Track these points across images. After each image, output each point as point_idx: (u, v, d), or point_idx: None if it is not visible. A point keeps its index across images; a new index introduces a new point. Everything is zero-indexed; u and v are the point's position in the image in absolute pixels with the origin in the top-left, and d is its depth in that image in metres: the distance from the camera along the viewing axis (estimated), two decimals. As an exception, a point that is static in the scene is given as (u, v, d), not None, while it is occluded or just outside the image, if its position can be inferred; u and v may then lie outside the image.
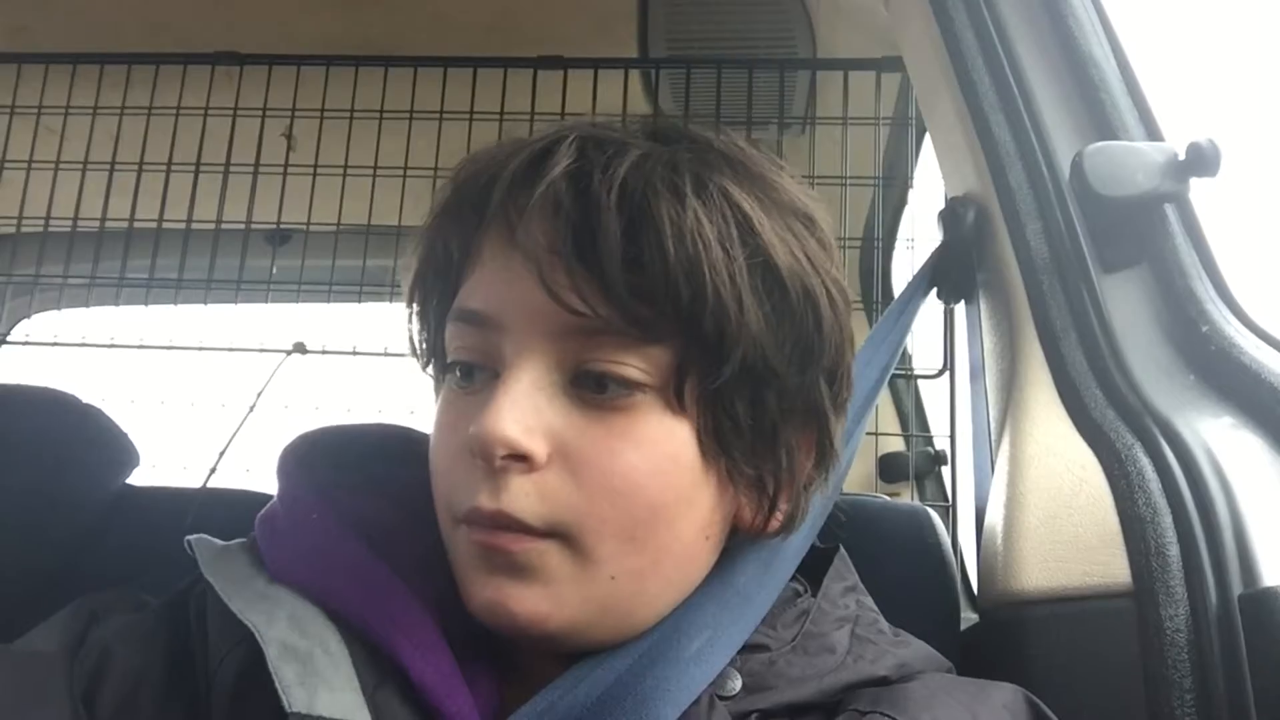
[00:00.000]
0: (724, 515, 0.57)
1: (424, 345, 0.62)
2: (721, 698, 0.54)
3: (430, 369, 0.62)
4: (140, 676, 0.56)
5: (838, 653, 0.58)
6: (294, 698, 0.50)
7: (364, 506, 0.59)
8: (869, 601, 0.65)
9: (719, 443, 0.54)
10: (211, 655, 0.55)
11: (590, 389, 0.53)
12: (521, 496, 0.51)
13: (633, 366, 0.52)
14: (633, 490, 0.52)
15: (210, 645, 0.56)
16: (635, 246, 0.51)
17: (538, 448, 0.51)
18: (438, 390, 0.60)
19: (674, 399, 0.53)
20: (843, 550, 0.68)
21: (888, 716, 0.53)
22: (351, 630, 0.54)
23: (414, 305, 0.61)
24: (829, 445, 0.59)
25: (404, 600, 0.55)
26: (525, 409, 0.52)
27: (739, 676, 0.55)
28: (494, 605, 0.53)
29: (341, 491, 0.60)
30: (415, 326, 0.62)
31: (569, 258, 0.52)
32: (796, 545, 0.64)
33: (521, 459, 0.51)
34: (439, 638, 0.54)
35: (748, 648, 0.57)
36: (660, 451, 0.53)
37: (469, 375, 0.56)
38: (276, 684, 0.50)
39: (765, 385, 0.54)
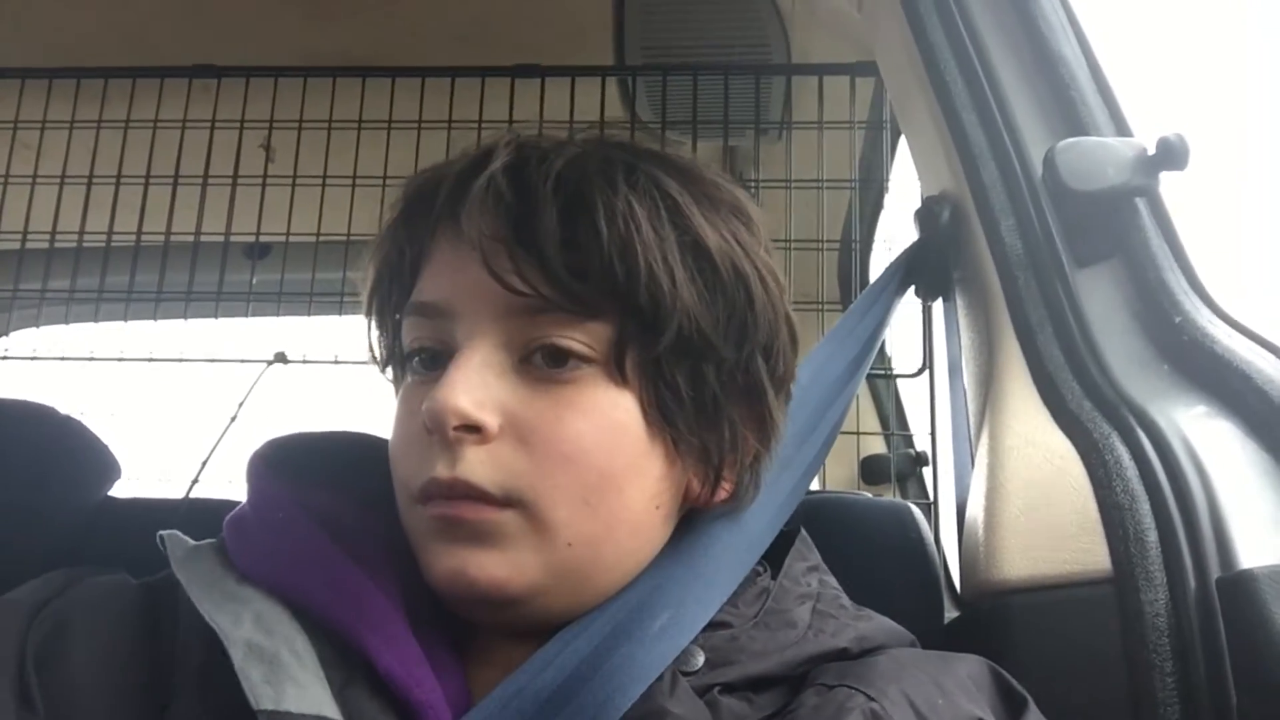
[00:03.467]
0: (673, 486, 0.59)
1: (383, 349, 0.64)
2: (684, 673, 0.55)
3: (389, 373, 0.65)
4: (94, 650, 0.56)
5: (799, 627, 0.60)
6: (261, 696, 0.50)
7: (330, 505, 0.61)
8: (831, 580, 0.67)
9: (663, 413, 0.57)
10: (180, 644, 0.56)
11: (538, 365, 0.56)
12: (477, 465, 0.54)
13: (576, 340, 0.56)
14: (582, 456, 0.55)
15: (180, 632, 0.56)
16: (571, 229, 0.55)
17: (489, 419, 0.54)
18: (398, 391, 0.62)
19: (616, 371, 0.56)
20: (804, 532, 0.70)
21: (854, 689, 0.54)
22: (318, 628, 0.55)
23: (372, 312, 0.64)
24: (770, 419, 0.62)
25: (369, 594, 0.56)
26: (475, 384, 0.54)
27: (701, 653, 0.57)
28: (454, 574, 0.54)
29: (309, 491, 0.61)
30: (375, 333, 0.65)
31: (510, 243, 0.55)
32: (762, 528, 0.66)
33: (474, 430, 0.54)
34: (405, 629, 0.55)
35: (711, 625, 0.58)
36: (606, 419, 0.56)
37: (426, 364, 0.59)
38: (244, 684, 0.51)
39: (703, 358, 0.58)
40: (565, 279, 0.55)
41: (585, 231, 0.55)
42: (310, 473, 0.63)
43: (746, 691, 0.56)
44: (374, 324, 0.64)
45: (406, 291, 0.61)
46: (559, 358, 0.56)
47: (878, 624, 0.63)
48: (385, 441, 0.63)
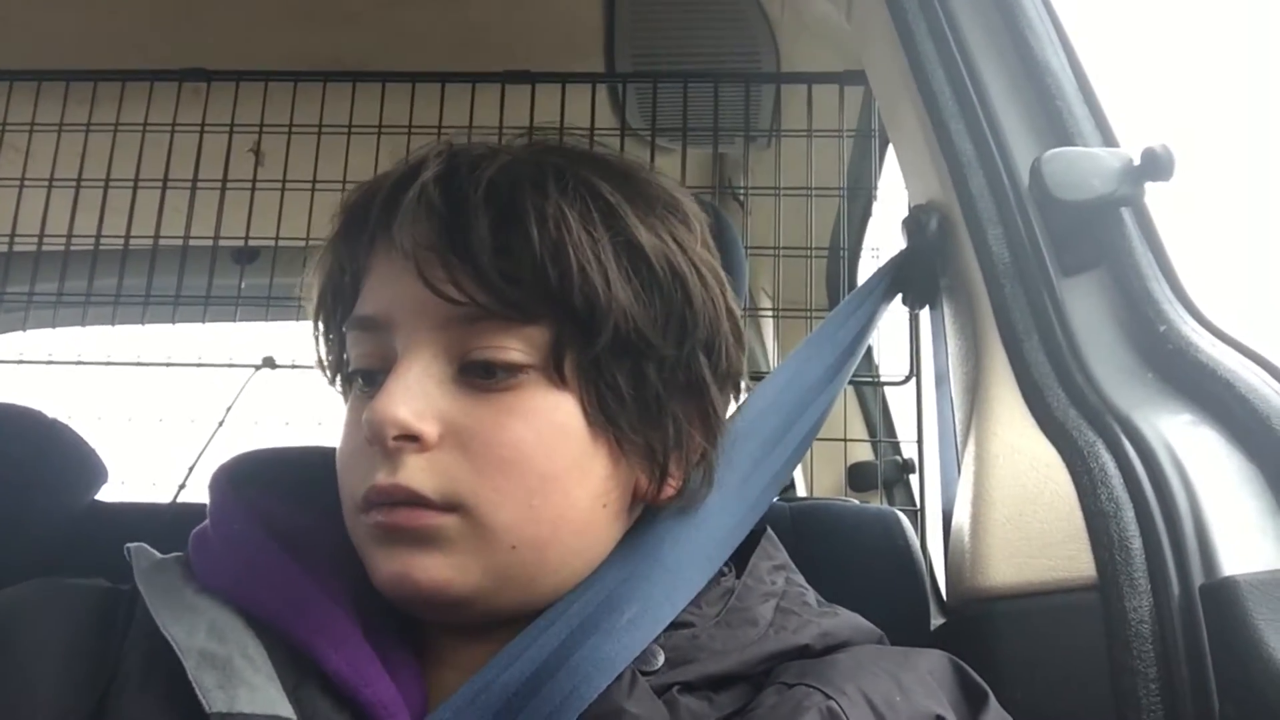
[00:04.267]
0: (620, 485, 0.60)
1: (330, 361, 0.65)
2: (644, 673, 0.56)
3: (339, 385, 0.65)
4: (40, 640, 0.57)
5: (760, 625, 0.60)
6: (214, 700, 0.52)
7: (286, 517, 0.62)
8: (799, 579, 0.67)
9: (604, 413, 0.58)
10: (129, 643, 0.57)
11: (477, 375, 0.56)
12: (416, 471, 0.55)
13: (514, 349, 0.56)
14: (522, 460, 0.55)
15: (130, 635, 0.58)
16: (503, 236, 0.55)
17: (428, 428, 0.55)
18: (347, 402, 0.63)
19: (555, 375, 0.57)
20: (770, 531, 0.70)
21: (813, 688, 0.54)
22: (271, 634, 0.56)
23: (318, 325, 0.65)
24: (714, 414, 0.62)
25: (317, 600, 0.57)
26: (415, 393, 0.55)
27: (662, 652, 0.57)
28: (398, 577, 0.55)
29: (266, 503, 0.62)
30: (322, 346, 0.65)
31: (444, 252, 0.56)
32: (730, 529, 0.66)
33: (413, 439, 0.55)
34: (354, 632, 0.56)
35: (673, 625, 0.59)
36: (546, 422, 0.56)
37: (369, 380, 0.59)
38: (197, 691, 0.52)
39: (643, 357, 0.58)
40: (499, 285, 0.55)
41: (517, 237, 0.55)
42: (270, 486, 0.64)
43: (706, 691, 0.57)
44: (320, 337, 0.65)
45: (349, 305, 0.61)
46: (495, 368, 0.56)
47: (843, 620, 0.63)
48: None
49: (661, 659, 0.57)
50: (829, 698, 0.54)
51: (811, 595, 0.65)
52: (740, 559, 0.66)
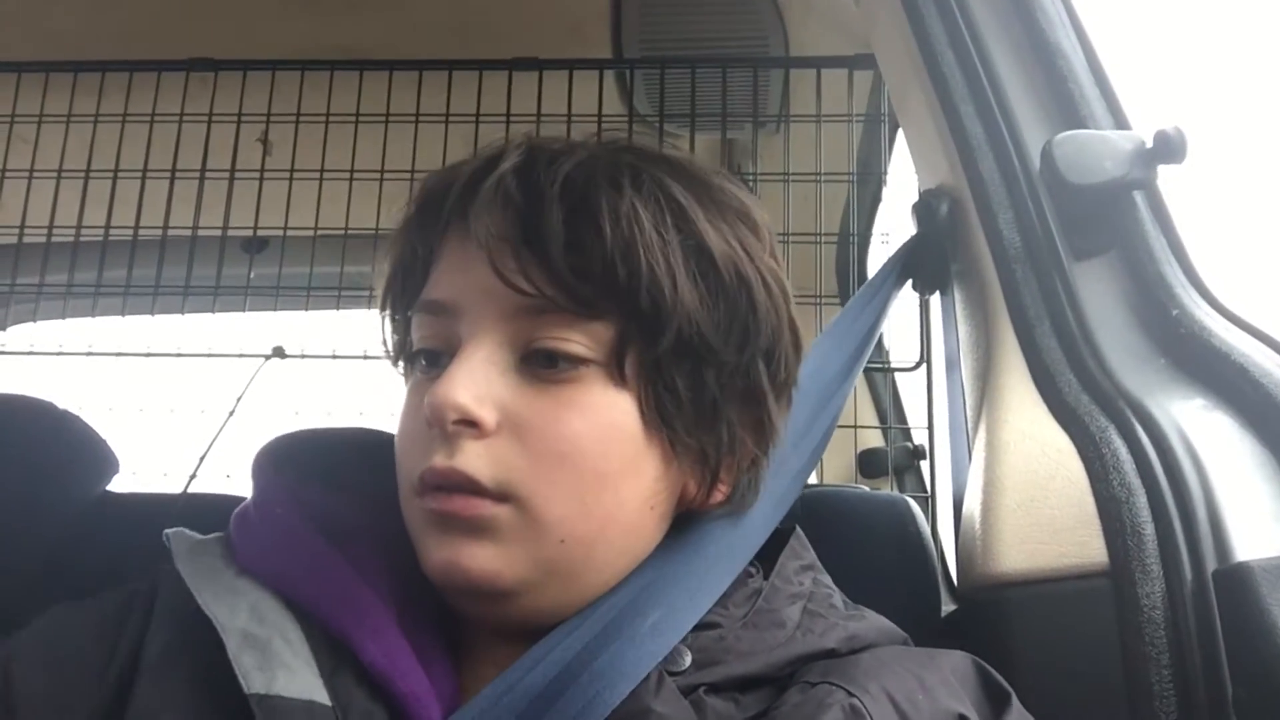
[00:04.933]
0: (669, 488, 0.60)
1: (395, 344, 0.66)
2: (671, 673, 0.56)
3: (401, 366, 0.66)
4: (36, 687, 0.57)
5: (787, 627, 0.60)
6: (252, 681, 0.52)
7: (328, 503, 0.62)
8: (826, 579, 0.67)
9: (660, 414, 0.58)
10: (149, 634, 0.58)
11: (538, 365, 0.57)
12: (474, 457, 0.55)
13: (576, 343, 0.56)
14: (578, 455, 0.56)
15: (153, 622, 0.58)
16: (576, 231, 0.56)
17: (487, 415, 0.55)
18: (408, 385, 0.63)
19: (616, 372, 0.57)
20: (799, 530, 0.70)
21: (836, 686, 0.54)
22: (310, 620, 0.57)
23: (386, 307, 0.65)
24: (769, 423, 0.62)
25: (357, 588, 0.57)
26: (477, 380, 0.56)
27: (689, 653, 0.57)
28: (449, 565, 0.55)
29: (309, 490, 0.63)
30: (388, 328, 0.66)
31: (517, 243, 0.56)
32: (755, 528, 0.66)
33: (472, 425, 0.55)
34: (391, 623, 0.57)
35: (700, 625, 0.59)
36: (603, 419, 0.57)
37: (432, 362, 0.60)
38: (236, 670, 0.53)
39: (703, 361, 0.58)
40: (568, 279, 0.55)
41: (589, 233, 0.56)
42: (311, 470, 0.64)
43: (733, 692, 0.57)
44: (387, 319, 0.66)
45: (418, 289, 0.62)
46: (558, 359, 0.56)
47: (869, 623, 0.63)
48: (389, 437, 0.65)
49: (689, 660, 0.57)
50: (852, 695, 0.54)
51: (838, 597, 0.65)
52: (765, 557, 0.66)
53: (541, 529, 0.55)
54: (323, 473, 0.64)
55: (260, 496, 0.63)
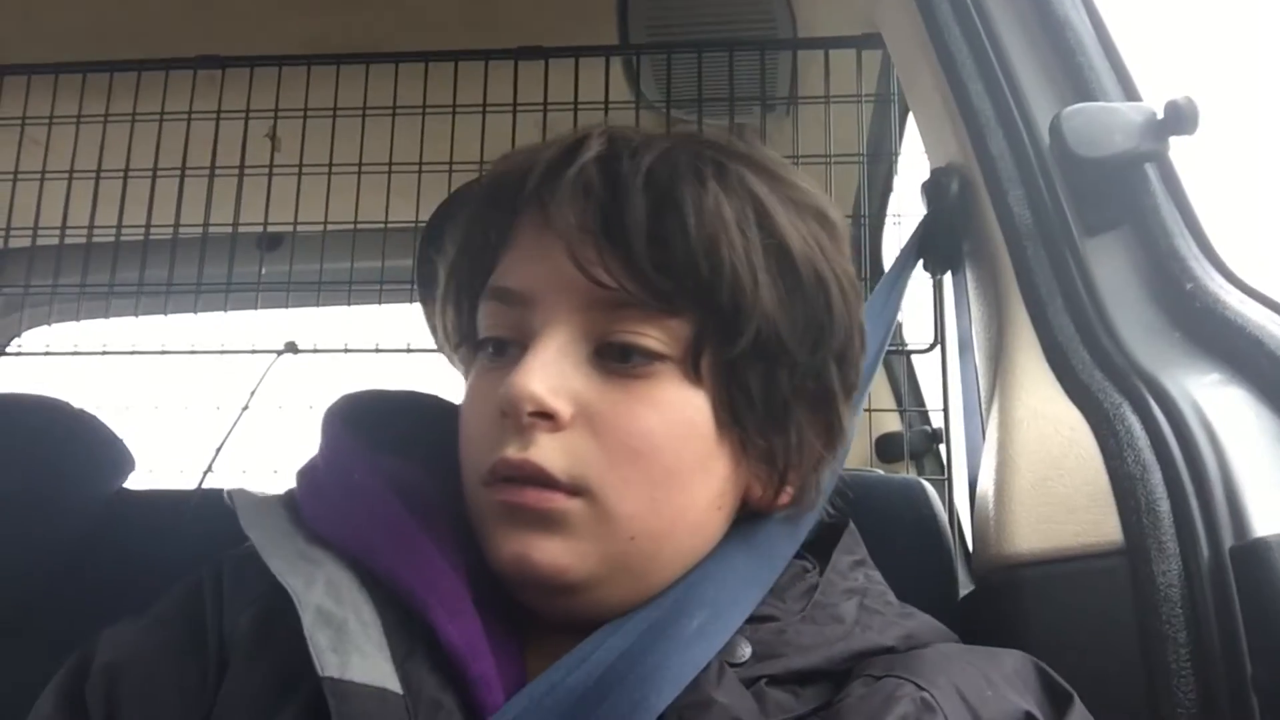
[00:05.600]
0: (736, 488, 0.60)
1: (455, 328, 0.65)
2: (731, 664, 0.55)
3: (460, 353, 0.65)
4: (149, 673, 0.57)
5: (846, 623, 0.60)
6: (327, 663, 0.51)
7: (402, 472, 0.61)
8: (877, 575, 0.66)
9: (733, 414, 0.58)
10: (227, 616, 0.57)
11: (613, 359, 0.56)
12: (547, 450, 0.55)
13: (653, 338, 0.56)
14: (651, 451, 0.55)
15: (226, 605, 0.58)
16: (659, 224, 0.55)
17: (562, 407, 0.55)
18: (468, 373, 0.63)
19: (691, 370, 0.57)
20: (852, 525, 0.69)
21: (903, 679, 0.54)
22: (384, 596, 0.55)
23: (450, 290, 0.64)
24: (838, 426, 0.62)
25: (438, 564, 0.57)
26: (552, 372, 0.55)
27: (748, 644, 0.57)
28: (519, 558, 0.55)
29: (380, 454, 0.62)
30: (449, 312, 0.65)
31: (598, 235, 0.55)
32: (803, 525, 0.65)
33: (547, 417, 0.55)
34: (470, 605, 0.56)
35: (757, 618, 0.58)
36: (677, 417, 0.56)
37: (500, 351, 0.59)
38: (310, 649, 0.51)
39: (778, 362, 0.58)
40: (649, 274, 0.55)
41: (673, 228, 0.55)
42: (383, 435, 0.63)
43: (792, 685, 0.56)
44: (450, 304, 0.64)
45: (485, 274, 0.61)
46: (634, 353, 0.56)
47: (922, 622, 0.63)
48: (451, 405, 0.64)
49: (749, 651, 0.56)
50: (921, 689, 0.53)
51: (891, 594, 0.65)
52: (815, 550, 0.66)
53: (612, 524, 0.55)
54: (394, 441, 0.63)
55: (331, 457, 0.62)
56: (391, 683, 0.52)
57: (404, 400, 0.68)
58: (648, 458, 0.55)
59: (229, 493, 0.61)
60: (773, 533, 0.62)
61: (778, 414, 0.59)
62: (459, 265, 0.63)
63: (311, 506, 0.60)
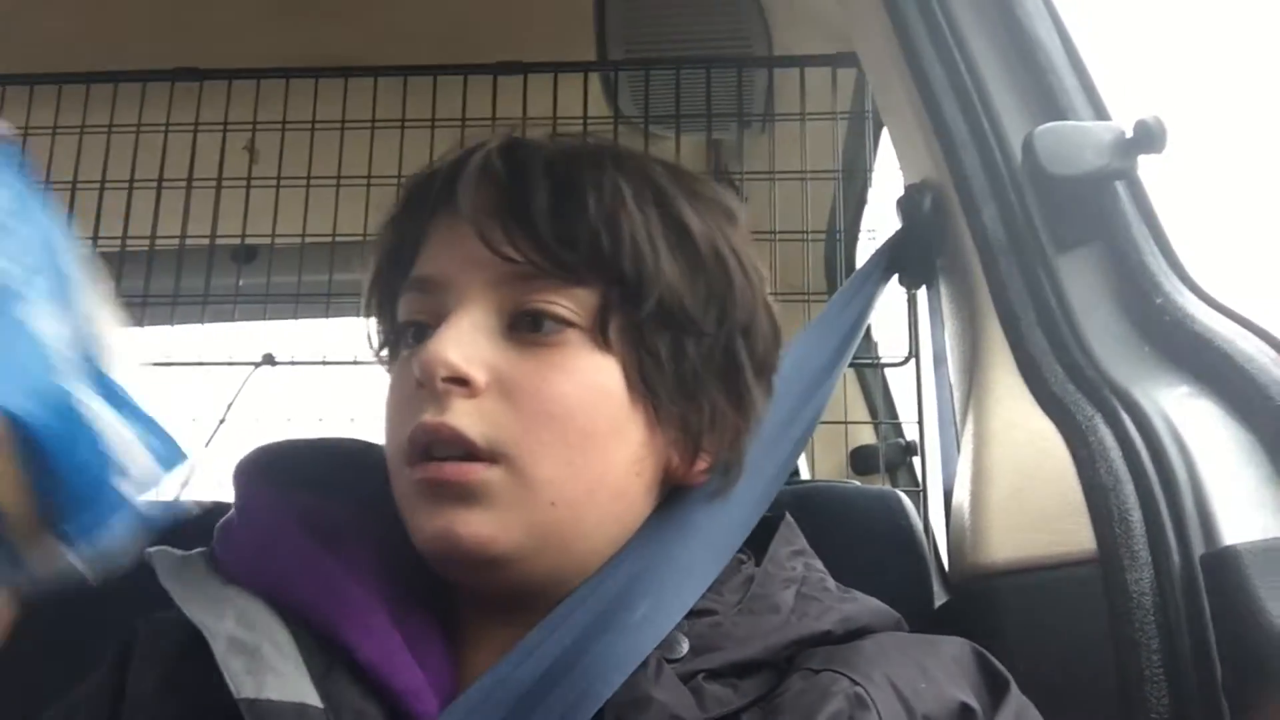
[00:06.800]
0: (654, 456, 0.61)
1: (381, 329, 0.67)
2: (669, 660, 0.56)
3: (385, 354, 0.66)
4: None
5: (782, 612, 0.60)
6: (242, 685, 0.53)
7: (312, 506, 0.62)
8: (818, 564, 0.67)
9: (644, 380, 0.60)
10: (131, 681, 0.59)
11: (526, 329, 0.58)
12: (463, 415, 0.56)
13: (562, 306, 0.58)
14: (565, 415, 0.57)
15: (132, 672, 0.59)
16: (562, 202, 0.59)
17: (476, 373, 0.56)
18: (392, 371, 0.64)
19: (600, 336, 0.59)
20: (789, 517, 0.70)
21: (839, 674, 0.55)
22: (299, 622, 0.57)
23: (374, 297, 0.66)
24: (749, 397, 0.63)
25: (348, 587, 0.58)
26: (465, 341, 0.57)
27: (686, 640, 0.57)
28: (442, 533, 0.56)
29: (292, 494, 0.63)
30: (375, 321, 0.67)
31: (504, 215, 0.58)
32: (745, 514, 0.67)
33: (462, 383, 0.56)
34: (385, 620, 0.57)
35: (695, 613, 0.59)
36: (590, 381, 0.58)
37: (420, 337, 0.61)
38: (225, 675, 0.53)
39: (684, 331, 0.60)
40: (554, 247, 0.57)
41: (574, 205, 0.58)
42: (295, 476, 0.64)
43: (731, 677, 0.57)
44: (374, 312, 0.66)
45: (405, 274, 0.63)
46: (544, 320, 0.58)
47: (862, 605, 0.63)
48: (375, 445, 0.65)
49: (686, 647, 0.57)
50: (855, 683, 0.54)
51: (830, 581, 0.66)
52: (755, 545, 0.67)
53: (532, 491, 0.56)
54: (307, 480, 0.64)
55: (242, 504, 0.64)
56: (311, 698, 0.53)
57: (320, 444, 0.69)
58: (562, 421, 0.57)
59: (148, 552, 0.62)
60: (708, 521, 0.63)
61: (688, 383, 0.60)
62: (380, 273, 0.65)
63: (224, 551, 0.61)
